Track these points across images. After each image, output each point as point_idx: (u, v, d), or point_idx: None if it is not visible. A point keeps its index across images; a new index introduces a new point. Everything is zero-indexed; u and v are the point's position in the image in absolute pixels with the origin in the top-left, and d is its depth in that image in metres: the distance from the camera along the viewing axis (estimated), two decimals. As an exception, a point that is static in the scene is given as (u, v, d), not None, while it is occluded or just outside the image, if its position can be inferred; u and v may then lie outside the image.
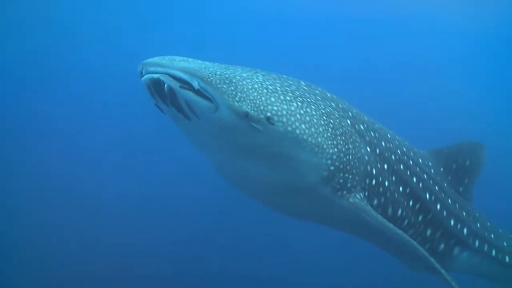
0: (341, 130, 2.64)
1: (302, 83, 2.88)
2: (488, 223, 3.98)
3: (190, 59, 2.45)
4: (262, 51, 10.46)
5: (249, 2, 13.50)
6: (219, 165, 2.97)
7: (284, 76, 2.81)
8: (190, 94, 2.23)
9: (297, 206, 2.99)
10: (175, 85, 2.22)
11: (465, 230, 3.64)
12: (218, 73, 2.30)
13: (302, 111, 2.44)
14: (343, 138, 2.63)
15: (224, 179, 3.07)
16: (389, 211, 3.06)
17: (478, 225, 3.80)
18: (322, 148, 2.49)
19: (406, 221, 3.21)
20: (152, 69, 2.27)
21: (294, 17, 13.41)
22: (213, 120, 2.30)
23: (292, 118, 2.38)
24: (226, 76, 2.31)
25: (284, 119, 2.35)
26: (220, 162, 2.91)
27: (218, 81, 2.25)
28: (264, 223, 6.96)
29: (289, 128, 2.36)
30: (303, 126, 2.41)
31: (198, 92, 2.24)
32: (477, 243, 3.72)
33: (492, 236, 3.90)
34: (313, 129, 2.45)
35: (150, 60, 2.34)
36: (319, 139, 2.47)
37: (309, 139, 2.43)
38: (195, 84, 2.22)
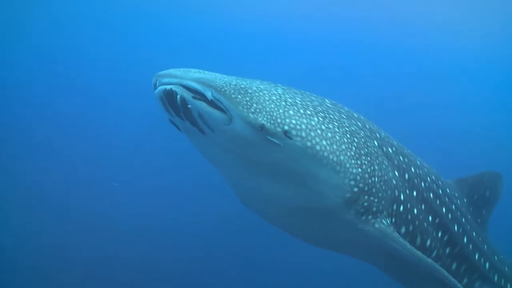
0: (366, 150, 2.48)
1: (327, 100, 2.74)
2: (502, 256, 3.86)
3: (206, 71, 2.32)
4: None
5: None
6: (234, 184, 2.76)
7: (308, 93, 2.67)
8: (203, 105, 2.10)
9: (317, 232, 2.78)
10: (188, 95, 2.10)
11: (487, 264, 3.51)
12: (233, 83, 2.19)
13: (323, 127, 2.30)
14: (369, 158, 2.47)
15: (240, 200, 2.89)
16: (417, 241, 2.87)
17: (496, 258, 3.70)
18: (345, 167, 2.32)
19: (434, 253, 3.02)
20: (165, 80, 2.17)
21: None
22: (227, 132, 2.15)
23: (312, 133, 2.23)
24: (242, 86, 2.20)
25: (303, 134, 2.20)
26: (235, 181, 2.71)
27: (232, 91, 2.13)
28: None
29: (309, 144, 2.21)
30: (324, 142, 2.26)
31: (212, 103, 2.12)
32: (496, 277, 3.61)
33: (507, 269, 3.81)
34: (335, 146, 2.30)
35: (164, 72, 2.23)
36: (342, 158, 2.31)
37: (331, 156, 2.27)
38: (209, 94, 2.11)
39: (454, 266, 3.22)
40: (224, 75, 2.34)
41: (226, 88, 2.12)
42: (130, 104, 10.72)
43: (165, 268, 8.34)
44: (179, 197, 9.29)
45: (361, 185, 2.39)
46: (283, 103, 2.23)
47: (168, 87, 2.12)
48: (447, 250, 3.15)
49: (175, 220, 8.81)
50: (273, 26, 14.25)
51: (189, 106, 2.10)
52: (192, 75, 2.17)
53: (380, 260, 3.13)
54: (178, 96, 2.10)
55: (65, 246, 8.12)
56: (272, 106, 2.18)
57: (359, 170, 2.37)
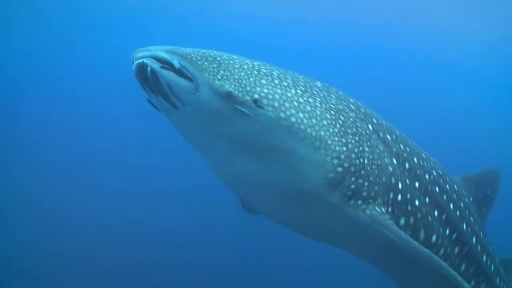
0: (354, 130, 2.29)
1: (318, 82, 2.54)
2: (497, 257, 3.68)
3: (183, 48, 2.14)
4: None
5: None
6: (214, 165, 2.56)
7: (297, 74, 2.47)
8: (171, 74, 1.96)
9: (304, 219, 2.54)
10: (156, 65, 1.95)
11: (492, 267, 3.31)
12: (203, 51, 2.05)
13: (301, 99, 2.12)
14: (356, 138, 2.26)
15: (223, 182, 2.66)
16: (421, 235, 2.64)
17: (497, 260, 3.50)
18: (326, 144, 2.12)
19: (442, 251, 2.80)
20: (139, 55, 2.01)
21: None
22: (194, 102, 1.99)
23: (287, 104, 2.06)
24: (211, 54, 2.05)
25: (276, 104, 2.03)
26: (213, 161, 2.50)
27: (199, 58, 2.02)
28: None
29: (282, 114, 2.03)
30: (300, 114, 2.08)
31: (180, 73, 1.97)
32: (498, 279, 3.41)
33: (502, 270, 3.62)
34: (314, 120, 2.11)
35: (140, 48, 2.07)
36: (322, 133, 2.11)
37: (308, 130, 2.08)
38: (176, 62, 1.97)
39: (463, 267, 2.98)
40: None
41: (192, 55, 1.99)
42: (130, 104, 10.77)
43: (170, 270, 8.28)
44: (181, 199, 9.26)
45: (346, 164, 2.18)
46: (255, 72, 2.08)
47: (140, 60, 1.97)
48: (456, 250, 2.92)
49: (179, 221, 8.80)
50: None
51: (159, 78, 1.95)
52: (164, 47, 2.03)
53: (378, 256, 2.88)
54: (149, 68, 1.94)
55: (66, 247, 8.11)
56: (242, 74, 2.03)
57: (344, 148, 2.17)
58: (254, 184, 2.34)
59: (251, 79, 2.02)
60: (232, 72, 2.01)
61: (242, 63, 2.09)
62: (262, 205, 2.70)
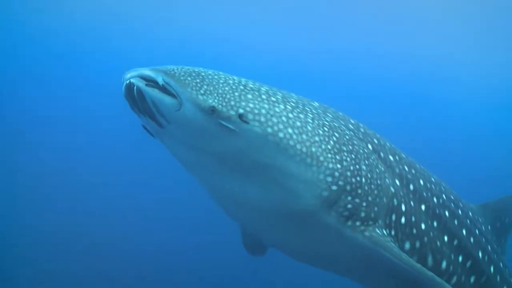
0: (350, 147, 2.19)
1: (315, 103, 2.48)
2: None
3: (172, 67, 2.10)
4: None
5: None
6: (210, 191, 2.45)
7: (293, 93, 2.41)
8: (155, 91, 1.90)
9: (303, 242, 2.42)
10: (141, 84, 1.90)
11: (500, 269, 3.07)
12: (186, 68, 2.01)
13: (290, 115, 2.05)
14: (353, 156, 2.16)
15: (222, 209, 2.56)
16: (428, 260, 2.48)
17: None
18: (318, 160, 2.02)
19: (455, 278, 2.61)
20: (128, 76, 1.97)
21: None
22: (178, 120, 1.92)
23: (274, 119, 1.98)
24: (195, 70, 2.01)
25: (262, 119, 1.95)
26: (207, 184, 2.39)
27: (182, 73, 1.97)
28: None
29: (269, 130, 1.95)
30: (289, 130, 2.00)
31: (164, 90, 1.92)
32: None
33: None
34: (304, 136, 2.02)
35: (130, 70, 2.05)
36: (313, 149, 2.02)
37: (298, 146, 2.00)
38: (160, 79, 1.92)
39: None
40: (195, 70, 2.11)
41: (175, 71, 1.95)
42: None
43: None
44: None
45: (340, 182, 2.07)
46: (241, 87, 2.02)
47: (128, 81, 1.94)
48: (472, 279, 2.72)
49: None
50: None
51: (144, 96, 1.91)
52: (151, 67, 2.00)
53: (383, 282, 2.66)
54: (135, 87, 1.90)
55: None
56: (227, 88, 1.97)
57: (338, 165, 2.07)
58: (249, 205, 2.23)
59: (236, 93, 1.96)
60: (216, 86, 1.95)
61: (227, 78, 2.04)
62: (261, 230, 2.61)
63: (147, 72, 1.94)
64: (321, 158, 2.04)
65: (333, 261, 2.55)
